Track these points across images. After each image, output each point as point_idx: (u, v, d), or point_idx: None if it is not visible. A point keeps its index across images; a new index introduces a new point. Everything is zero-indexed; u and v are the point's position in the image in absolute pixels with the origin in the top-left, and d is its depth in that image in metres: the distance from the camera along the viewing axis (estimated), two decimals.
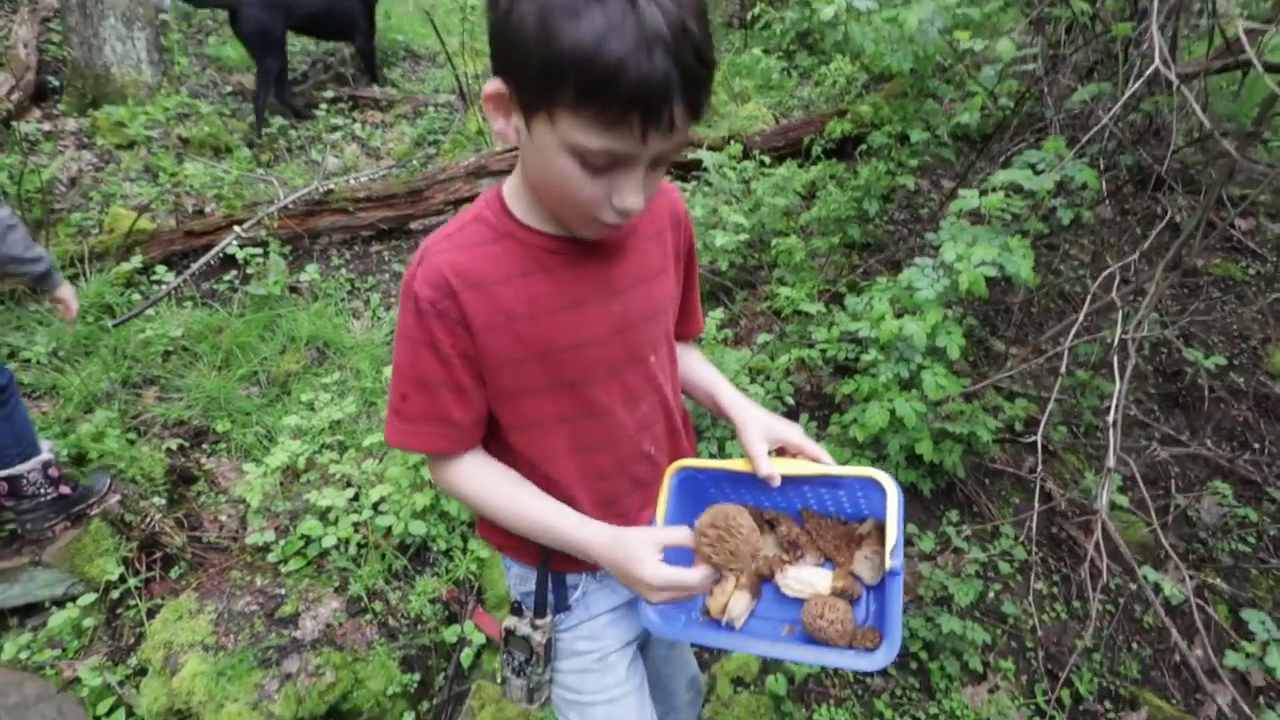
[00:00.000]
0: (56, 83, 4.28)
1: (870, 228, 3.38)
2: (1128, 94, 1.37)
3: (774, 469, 0.94)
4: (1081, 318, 1.53)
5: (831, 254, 3.11)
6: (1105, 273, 1.58)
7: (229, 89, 4.48)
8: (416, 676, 1.96)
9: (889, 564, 0.86)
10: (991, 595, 2.37)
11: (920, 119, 2.97)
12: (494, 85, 0.73)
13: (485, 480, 0.94)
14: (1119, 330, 1.39)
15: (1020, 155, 1.93)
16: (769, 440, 0.97)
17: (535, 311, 0.85)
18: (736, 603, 1.02)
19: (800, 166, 3.49)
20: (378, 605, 2.04)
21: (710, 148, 3.54)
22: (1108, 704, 2.16)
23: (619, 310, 0.91)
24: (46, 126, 3.97)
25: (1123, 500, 2.09)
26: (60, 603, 1.96)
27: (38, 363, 2.76)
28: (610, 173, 0.71)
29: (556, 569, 1.05)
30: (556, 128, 0.68)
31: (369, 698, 1.87)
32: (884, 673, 2.25)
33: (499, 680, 1.08)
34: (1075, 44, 3.08)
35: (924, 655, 2.26)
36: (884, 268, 3.47)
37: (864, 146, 3.23)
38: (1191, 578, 1.88)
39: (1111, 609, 2.36)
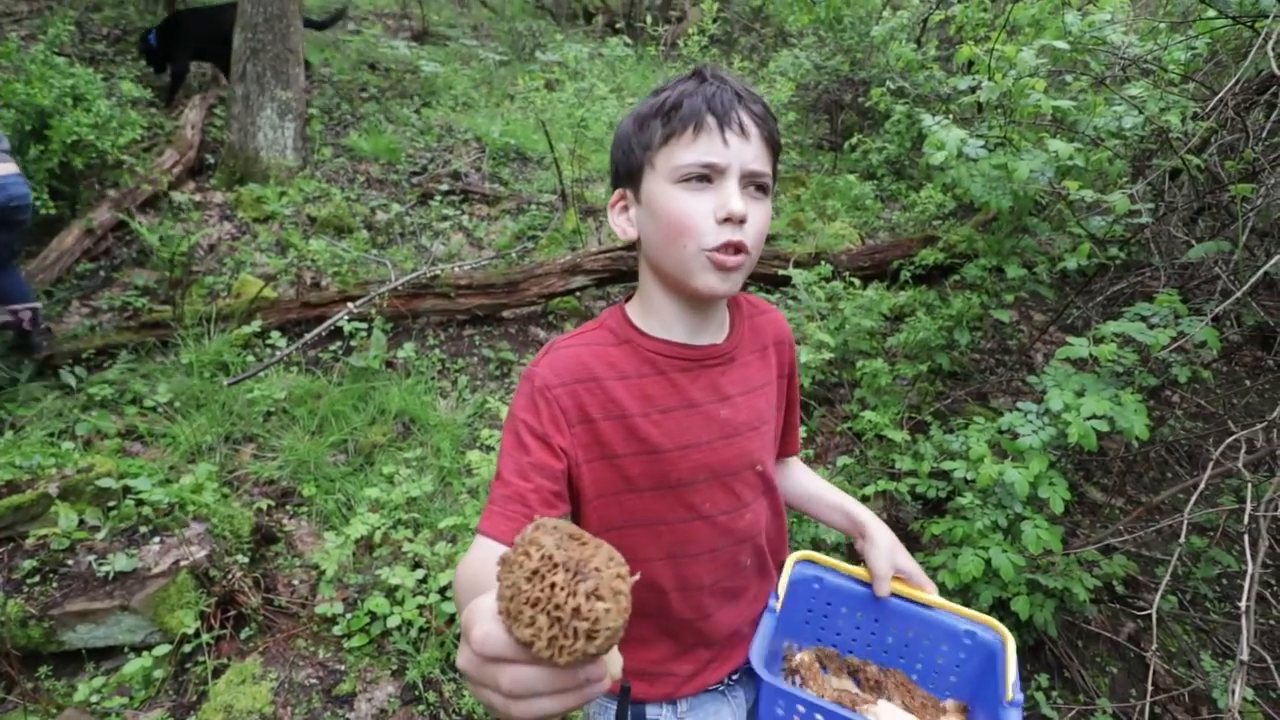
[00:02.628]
0: (212, 160, 4.80)
1: (957, 355, 3.31)
2: (1263, 270, 1.33)
3: (888, 591, 1.00)
4: (1204, 484, 1.43)
5: (917, 381, 3.05)
6: (1229, 440, 1.49)
7: (361, 178, 4.91)
8: None
9: (1010, 696, 0.87)
10: None
11: (1016, 254, 2.95)
12: (615, 195, 0.93)
13: (482, 559, 0.75)
14: (1249, 506, 1.29)
15: (1131, 306, 1.88)
16: (892, 565, 1.02)
17: (647, 410, 0.90)
18: None
19: (888, 289, 3.49)
20: (431, 696, 2.00)
21: (798, 264, 3.60)
22: None
23: (727, 416, 0.94)
24: (197, 198, 4.42)
25: (1246, 692, 1.86)
26: (138, 650, 2.01)
27: (155, 410, 2.96)
28: (710, 187, 0.84)
29: (637, 698, 1.01)
30: (657, 169, 0.86)
31: None
32: None
33: None
34: (1181, 192, 3.04)
35: None
36: (970, 399, 3.37)
37: (956, 277, 3.21)
38: None
39: None
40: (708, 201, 0.84)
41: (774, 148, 0.87)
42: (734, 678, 1.07)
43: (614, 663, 0.49)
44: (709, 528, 0.95)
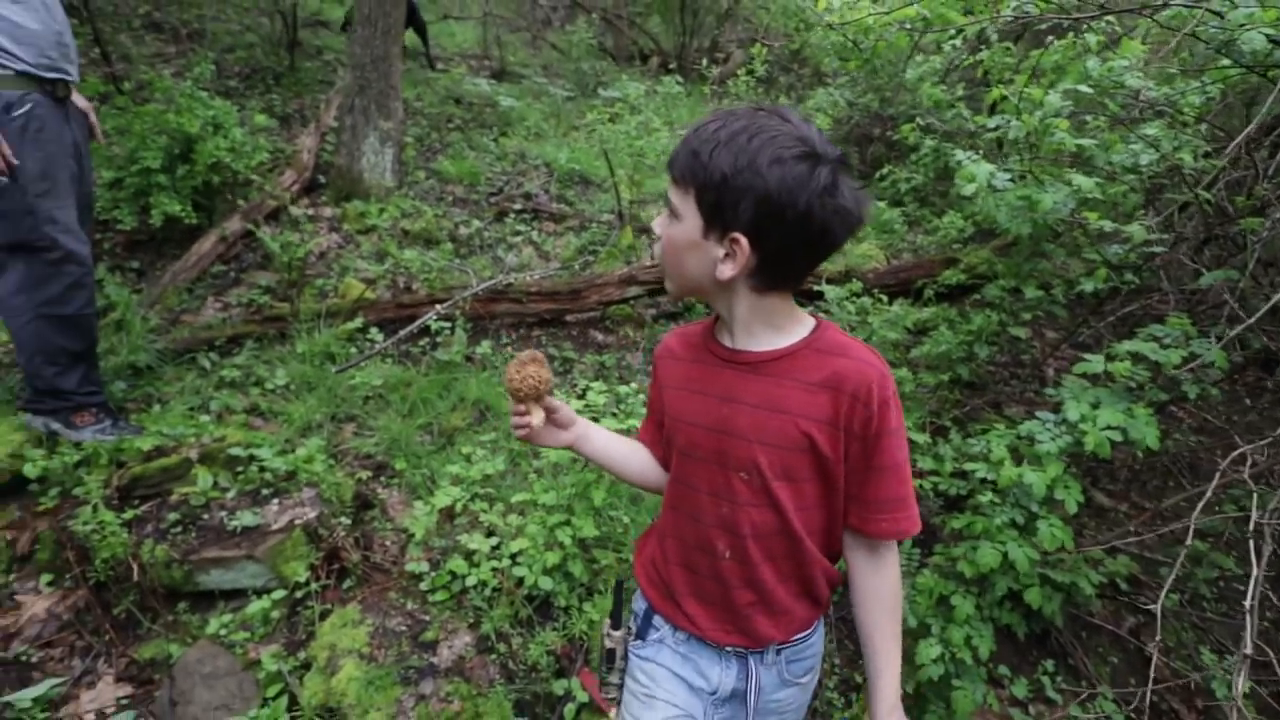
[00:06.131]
0: (323, 180, 5.00)
1: (975, 367, 3.24)
2: (1273, 301, 1.29)
3: None
4: (1210, 493, 1.38)
5: (938, 389, 2.99)
6: (1235, 453, 1.44)
7: (448, 198, 5.05)
8: None
9: None
10: None
11: (1033, 277, 2.87)
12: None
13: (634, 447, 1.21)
14: (1255, 514, 1.25)
15: (1142, 328, 1.83)
16: None
17: (679, 386, 1.05)
18: None
19: (912, 305, 3.44)
20: (502, 647, 2.06)
21: (830, 280, 3.57)
22: None
23: (725, 414, 0.97)
24: (310, 212, 4.60)
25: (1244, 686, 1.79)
26: (259, 593, 2.12)
27: (273, 391, 3.11)
28: None
29: (656, 607, 1.11)
30: None
31: None
32: None
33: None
34: (1190, 223, 2.92)
35: None
36: (986, 407, 3.29)
37: (976, 296, 3.14)
38: None
39: None
40: None
41: (689, 184, 0.88)
42: (738, 650, 1.03)
43: (534, 415, 1.07)
44: (694, 495, 1.02)
